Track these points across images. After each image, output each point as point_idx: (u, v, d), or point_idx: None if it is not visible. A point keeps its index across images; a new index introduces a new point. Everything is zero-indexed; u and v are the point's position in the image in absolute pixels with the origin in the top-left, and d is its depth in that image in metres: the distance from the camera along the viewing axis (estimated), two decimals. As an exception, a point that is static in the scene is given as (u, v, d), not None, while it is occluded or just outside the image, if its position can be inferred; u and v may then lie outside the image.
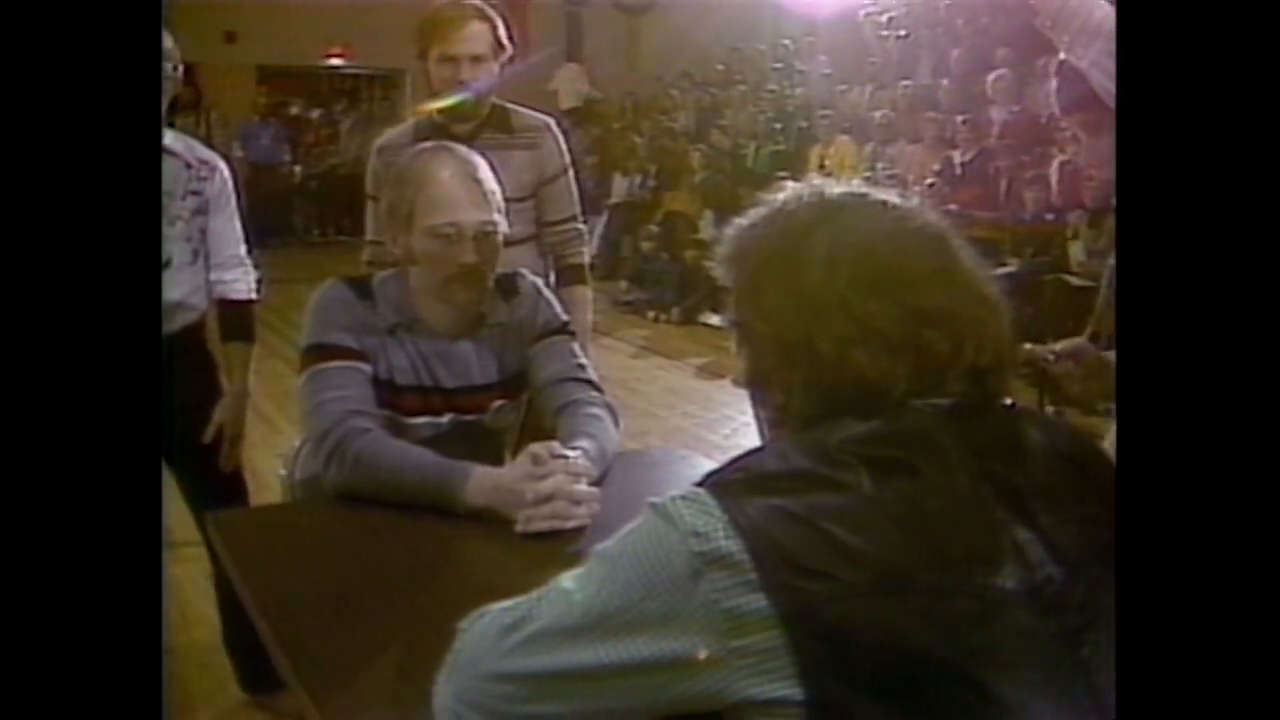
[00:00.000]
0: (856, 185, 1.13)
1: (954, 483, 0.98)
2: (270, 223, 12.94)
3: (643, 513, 1.00)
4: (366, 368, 2.05)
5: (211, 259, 2.74)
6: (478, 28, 2.76)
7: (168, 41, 2.45)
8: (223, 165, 2.74)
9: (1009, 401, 1.08)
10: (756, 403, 1.13)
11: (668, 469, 2.19)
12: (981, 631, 0.93)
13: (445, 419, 2.14)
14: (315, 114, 14.96)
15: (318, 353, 2.04)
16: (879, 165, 8.69)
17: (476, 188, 2.05)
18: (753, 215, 1.13)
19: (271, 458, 3.03)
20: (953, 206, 7.52)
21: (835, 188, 1.12)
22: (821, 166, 9.22)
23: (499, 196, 2.09)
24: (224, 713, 2.95)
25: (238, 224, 2.78)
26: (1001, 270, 6.88)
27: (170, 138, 2.63)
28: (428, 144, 2.19)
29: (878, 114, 9.27)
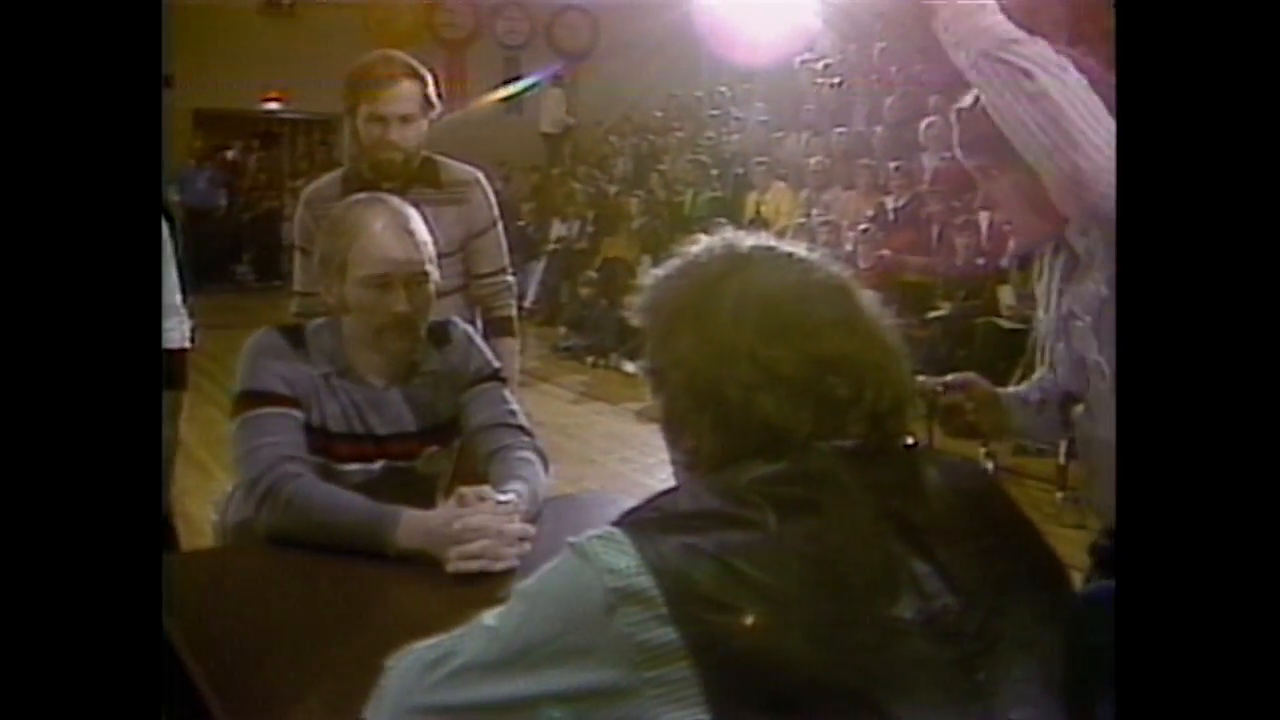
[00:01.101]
0: (765, 238, 1.20)
1: (855, 519, 1.03)
2: (206, 268, 12.81)
3: (562, 551, 1.05)
4: (299, 414, 2.08)
5: None
6: (408, 86, 2.75)
7: None
8: (170, 219, 2.74)
9: (910, 441, 1.15)
10: (671, 446, 1.18)
11: (598, 512, 2.17)
12: (881, 659, 0.98)
13: (378, 465, 2.17)
14: (252, 159, 14.91)
15: (250, 399, 2.07)
16: (814, 211, 8.85)
17: (409, 238, 2.09)
18: (667, 267, 1.19)
19: (205, 504, 3.03)
20: (885, 252, 7.68)
21: (746, 241, 1.18)
22: (758, 213, 9.36)
23: (431, 246, 2.13)
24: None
25: (174, 273, 2.79)
26: (933, 314, 7.02)
27: None
28: (361, 195, 2.23)
29: (813, 160, 9.43)
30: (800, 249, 1.19)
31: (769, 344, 1.08)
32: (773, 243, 1.19)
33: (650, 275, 1.20)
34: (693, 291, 1.14)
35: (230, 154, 14.67)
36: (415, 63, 2.83)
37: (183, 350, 2.82)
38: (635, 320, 1.20)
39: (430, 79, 2.83)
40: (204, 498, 3.35)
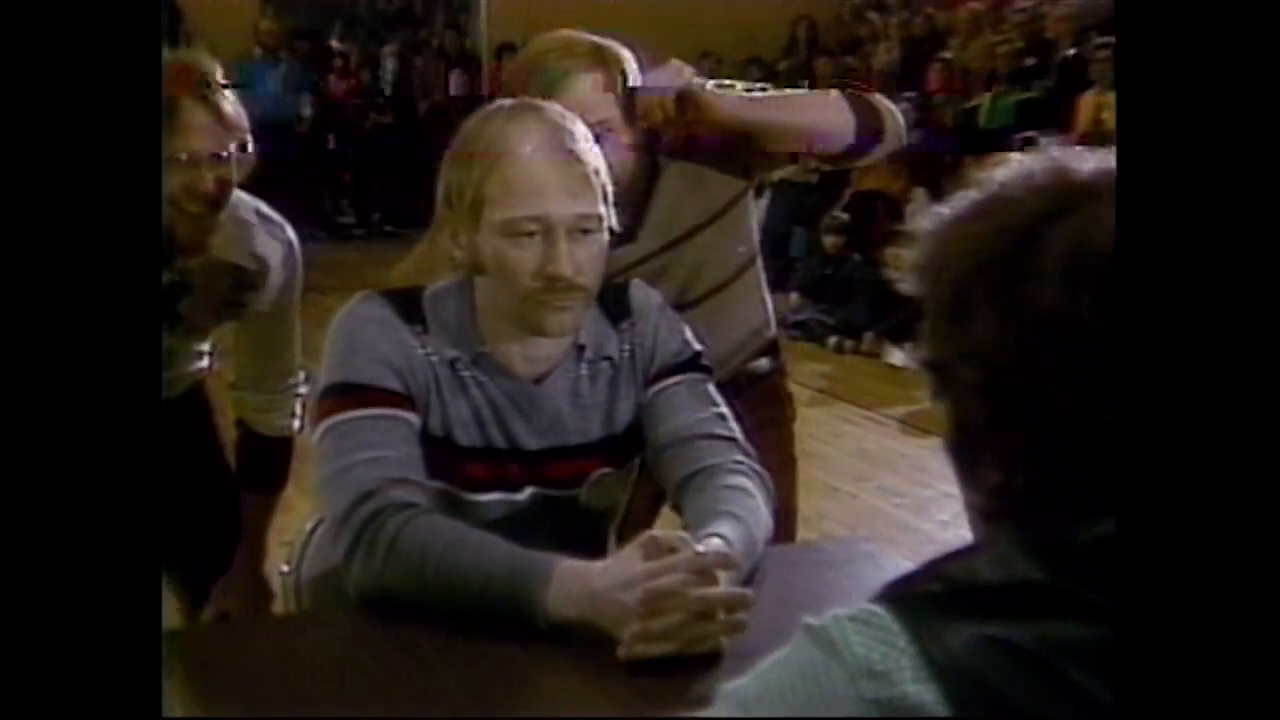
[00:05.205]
0: (1114, 161, 1.14)
1: None
2: (285, 207, 12.93)
3: (796, 638, 1.03)
4: (413, 419, 2.11)
5: (245, 373, 2.84)
6: (590, 83, 2.59)
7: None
8: (289, 248, 2.76)
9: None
10: (963, 479, 1.16)
11: (846, 572, 2.20)
12: None
13: (524, 494, 2.20)
14: (348, 48, 15.12)
15: (343, 396, 2.10)
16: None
17: (573, 167, 2.08)
18: (958, 204, 1.15)
19: (275, 545, 3.10)
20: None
21: (1083, 164, 1.13)
22: (1097, 123, 9.11)
23: (604, 177, 2.13)
24: None
25: (294, 331, 2.85)
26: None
27: (222, 237, 2.63)
28: (504, 102, 2.22)
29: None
30: None
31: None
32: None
33: (932, 216, 1.17)
34: (999, 243, 1.10)
35: (317, 42, 14.77)
36: (603, 44, 2.65)
37: (288, 439, 2.93)
38: (907, 286, 1.17)
39: (626, 57, 2.66)
40: (279, 536, 3.43)
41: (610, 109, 2.56)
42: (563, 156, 2.08)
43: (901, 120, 2.78)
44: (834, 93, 2.75)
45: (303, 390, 2.89)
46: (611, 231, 2.14)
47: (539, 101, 2.23)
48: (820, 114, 2.71)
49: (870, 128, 2.71)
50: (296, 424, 2.90)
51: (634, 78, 2.63)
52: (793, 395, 3.04)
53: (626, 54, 2.65)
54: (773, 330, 2.97)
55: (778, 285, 10.25)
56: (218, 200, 2.47)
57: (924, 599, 1.01)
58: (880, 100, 2.78)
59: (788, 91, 2.82)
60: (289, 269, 2.76)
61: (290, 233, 2.77)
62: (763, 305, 2.93)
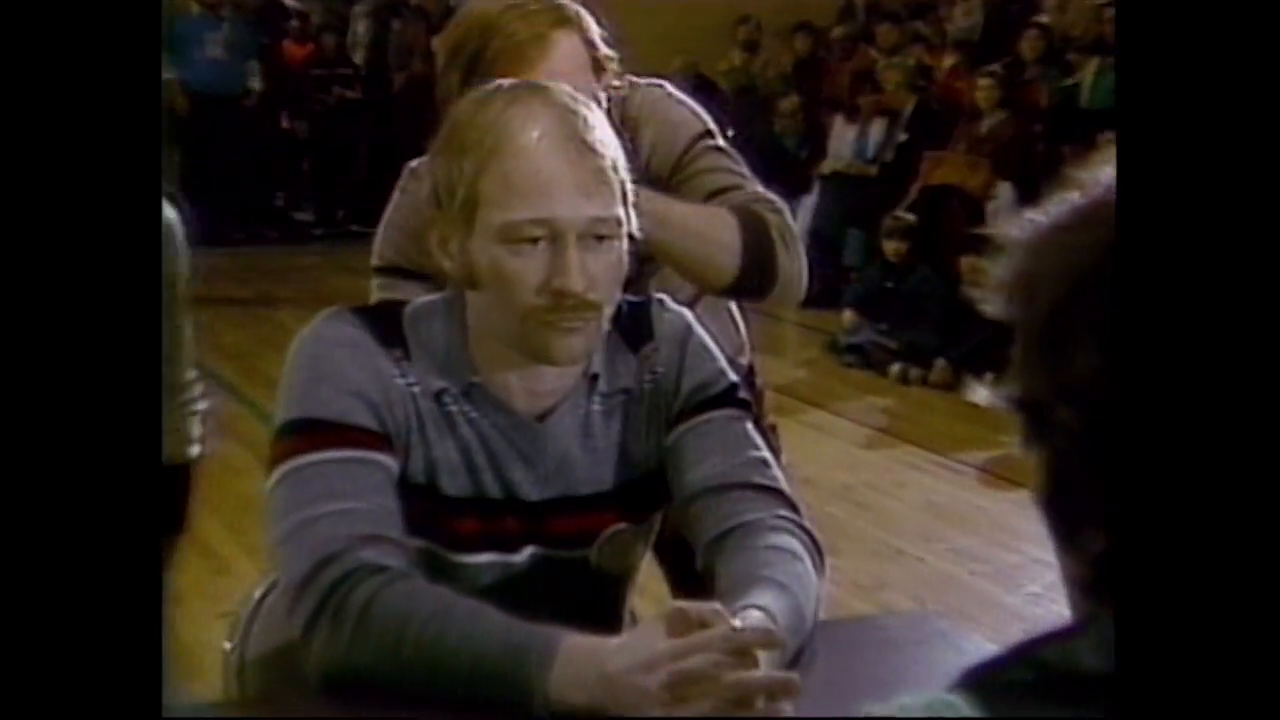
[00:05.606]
0: None
1: None
2: (228, 201, 12.84)
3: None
4: (390, 462, 2.12)
5: None
6: (566, 46, 2.62)
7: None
8: (170, 224, 2.73)
9: None
10: (1060, 544, 1.15)
11: (913, 653, 2.21)
12: None
13: (523, 554, 2.21)
14: (307, 6, 15.11)
15: (305, 434, 2.11)
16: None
17: (586, 160, 2.07)
18: (1057, 208, 1.15)
19: (216, 619, 3.10)
20: None
21: None
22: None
23: (623, 173, 2.12)
24: None
25: (183, 333, 2.83)
26: None
27: None
28: (504, 82, 2.21)
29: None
30: None
31: None
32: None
33: (1023, 224, 1.17)
34: (1108, 258, 1.09)
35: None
36: (567, 5, 2.65)
37: (186, 466, 2.91)
38: (990, 306, 1.17)
39: (590, 23, 2.65)
40: (216, 605, 3.44)
41: (589, 79, 2.57)
42: (574, 147, 2.07)
43: (804, 270, 2.85)
44: (733, 221, 2.76)
45: (201, 406, 2.88)
46: (632, 238, 2.14)
47: (544, 82, 2.23)
48: (702, 245, 2.74)
49: (755, 276, 2.78)
50: (195, 449, 2.89)
51: (598, 40, 2.65)
52: (776, 426, 3.06)
53: (585, 12, 2.66)
54: (747, 356, 3.05)
55: (829, 300, 10.29)
56: None
57: (1012, 688, 1.01)
58: (788, 238, 2.81)
59: (684, 205, 2.77)
60: (169, 249, 2.71)
61: (169, 222, 2.73)
62: (734, 329, 3.02)
